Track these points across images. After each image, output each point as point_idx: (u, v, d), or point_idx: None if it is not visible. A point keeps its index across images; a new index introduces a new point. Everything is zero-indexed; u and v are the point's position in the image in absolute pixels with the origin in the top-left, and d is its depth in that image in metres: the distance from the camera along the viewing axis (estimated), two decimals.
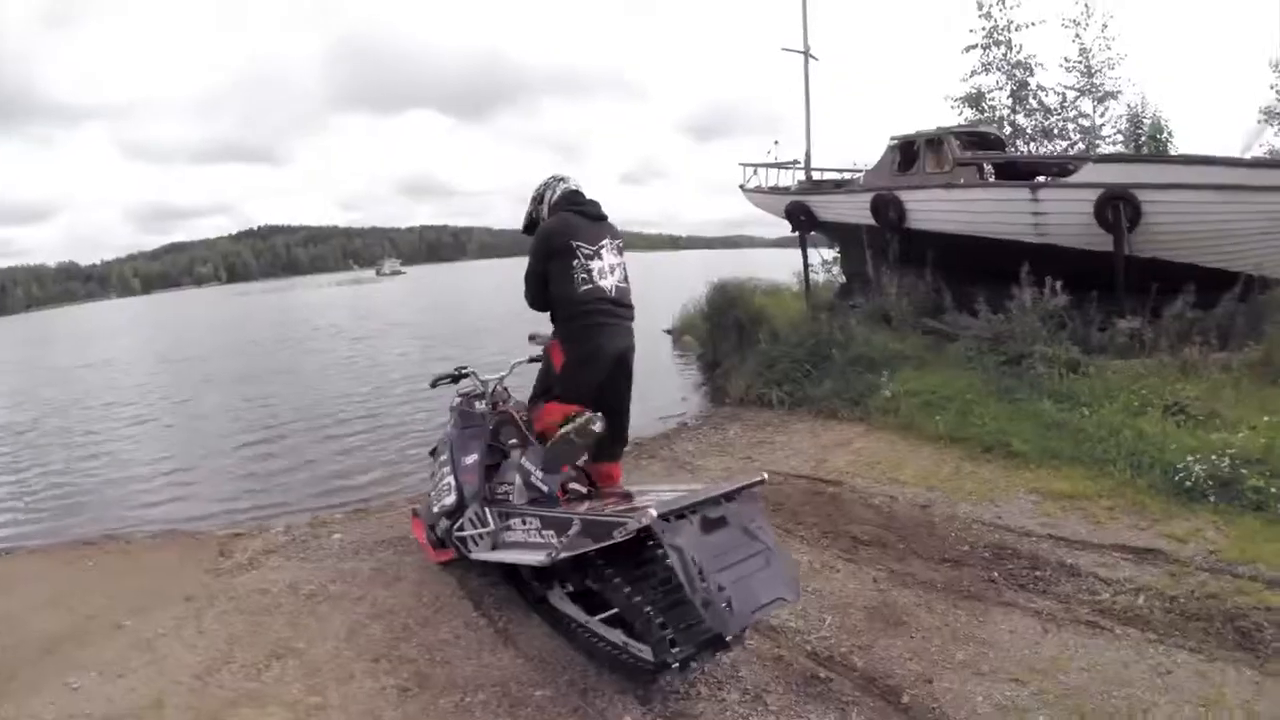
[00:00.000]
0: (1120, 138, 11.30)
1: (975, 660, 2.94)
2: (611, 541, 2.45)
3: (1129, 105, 11.26)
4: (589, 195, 3.58)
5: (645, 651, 2.61)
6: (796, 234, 11.45)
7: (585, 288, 3.25)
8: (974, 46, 12.05)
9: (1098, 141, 11.31)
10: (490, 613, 3.59)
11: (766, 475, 2.80)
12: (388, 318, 27.44)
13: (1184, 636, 3.06)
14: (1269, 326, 6.26)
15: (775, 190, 12.33)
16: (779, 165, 12.27)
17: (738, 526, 2.40)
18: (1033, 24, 11.67)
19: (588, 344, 3.27)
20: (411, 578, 4.06)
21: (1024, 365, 6.67)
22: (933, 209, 8.93)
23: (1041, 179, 8.22)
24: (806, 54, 11.93)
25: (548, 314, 3.43)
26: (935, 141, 9.34)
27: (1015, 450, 5.36)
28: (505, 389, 4.02)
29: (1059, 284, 6.96)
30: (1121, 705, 2.63)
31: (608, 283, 3.30)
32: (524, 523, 3.20)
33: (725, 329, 10.23)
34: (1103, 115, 11.45)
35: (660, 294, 16.00)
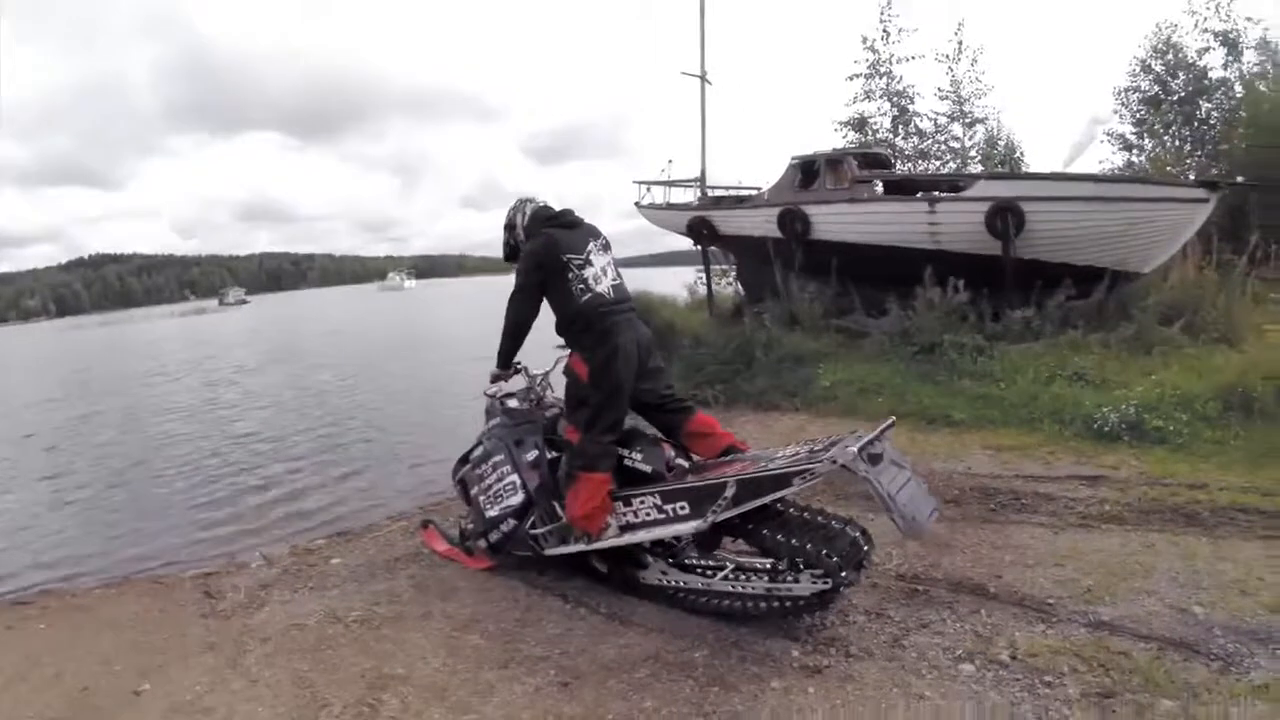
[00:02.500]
0: (979, 156, 13.27)
1: (1020, 558, 3.76)
2: (792, 489, 2.96)
3: (987, 128, 13.29)
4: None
5: (798, 588, 3.07)
6: (696, 248, 12.52)
7: (586, 298, 3.56)
8: (857, 75, 13.86)
9: (966, 162, 13.17)
10: (585, 603, 3.71)
11: (894, 418, 3.38)
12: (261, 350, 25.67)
13: (1150, 525, 4.06)
14: (1134, 310, 7.78)
15: (674, 207, 13.29)
16: (674, 183, 13.28)
17: (889, 459, 2.96)
18: (912, 58, 13.63)
19: (606, 347, 3.52)
20: (467, 586, 4.07)
21: (937, 353, 7.86)
22: (837, 221, 10.13)
23: (935, 194, 9.59)
24: (703, 79, 13.10)
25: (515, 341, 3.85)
26: (835, 161, 10.66)
27: (956, 420, 6.40)
28: (550, 384, 4.32)
29: (960, 283, 8.24)
30: (1134, 566, 3.54)
31: (603, 286, 3.61)
32: (628, 504, 3.45)
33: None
34: (971, 139, 13.40)
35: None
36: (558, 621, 3.54)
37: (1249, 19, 13.24)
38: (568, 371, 3.73)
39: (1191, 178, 10.92)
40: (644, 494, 3.41)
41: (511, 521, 3.93)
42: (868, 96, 13.92)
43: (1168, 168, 12.38)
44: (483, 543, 4.14)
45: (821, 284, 10.08)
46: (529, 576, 4.05)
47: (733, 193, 13.28)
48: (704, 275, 12.92)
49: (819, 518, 3.16)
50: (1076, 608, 3.22)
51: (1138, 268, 8.36)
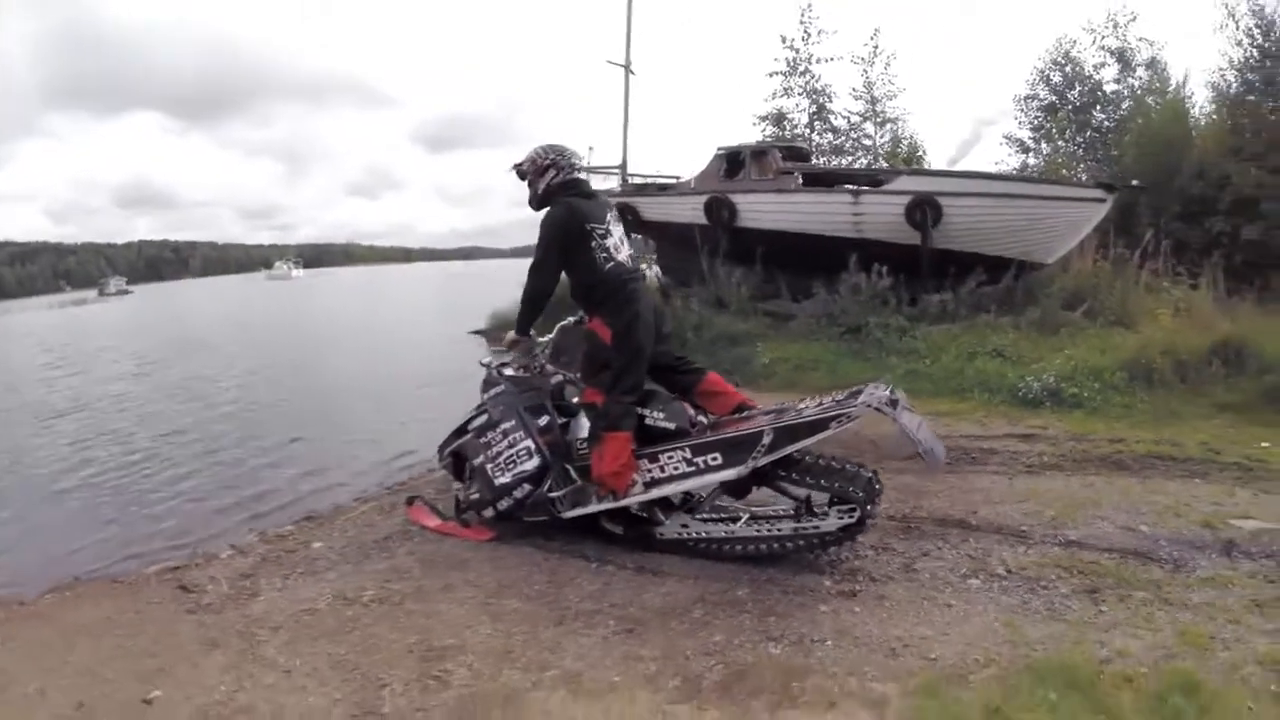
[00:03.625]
0: (885, 154, 14.28)
1: (987, 499, 4.31)
2: (828, 433, 3.30)
3: (895, 128, 14.32)
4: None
5: (826, 524, 3.46)
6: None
7: (609, 266, 3.75)
8: (777, 73, 14.67)
9: (877, 158, 14.12)
10: (609, 560, 3.84)
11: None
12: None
13: (1086, 471, 4.72)
14: (1040, 296, 8.65)
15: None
16: (595, 170, 13.51)
17: (903, 405, 3.35)
18: (830, 59, 14.52)
19: (628, 312, 3.72)
20: (476, 557, 4.06)
21: (863, 333, 8.51)
22: (763, 210, 10.70)
23: (859, 187, 10.29)
24: (628, 69, 13.43)
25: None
26: (760, 152, 11.30)
27: None
28: (545, 354, 4.39)
29: (884, 269, 8.92)
30: (1084, 499, 4.14)
31: (623, 255, 3.84)
32: (654, 460, 3.68)
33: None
34: (882, 137, 14.37)
35: (437, 301, 16.62)
36: (590, 579, 3.67)
37: (1142, 39, 14.86)
38: (590, 336, 3.87)
39: (1084, 180, 12.12)
40: (672, 449, 3.65)
41: (527, 487, 4.03)
42: (786, 93, 14.78)
43: (1062, 170, 13.69)
44: (489, 511, 4.21)
45: (746, 270, 10.58)
46: (536, 543, 4.13)
47: (652, 181, 13.68)
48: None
49: (833, 463, 3.54)
50: (1046, 532, 3.76)
51: (1041, 259, 9.27)
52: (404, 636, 3.26)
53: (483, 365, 4.54)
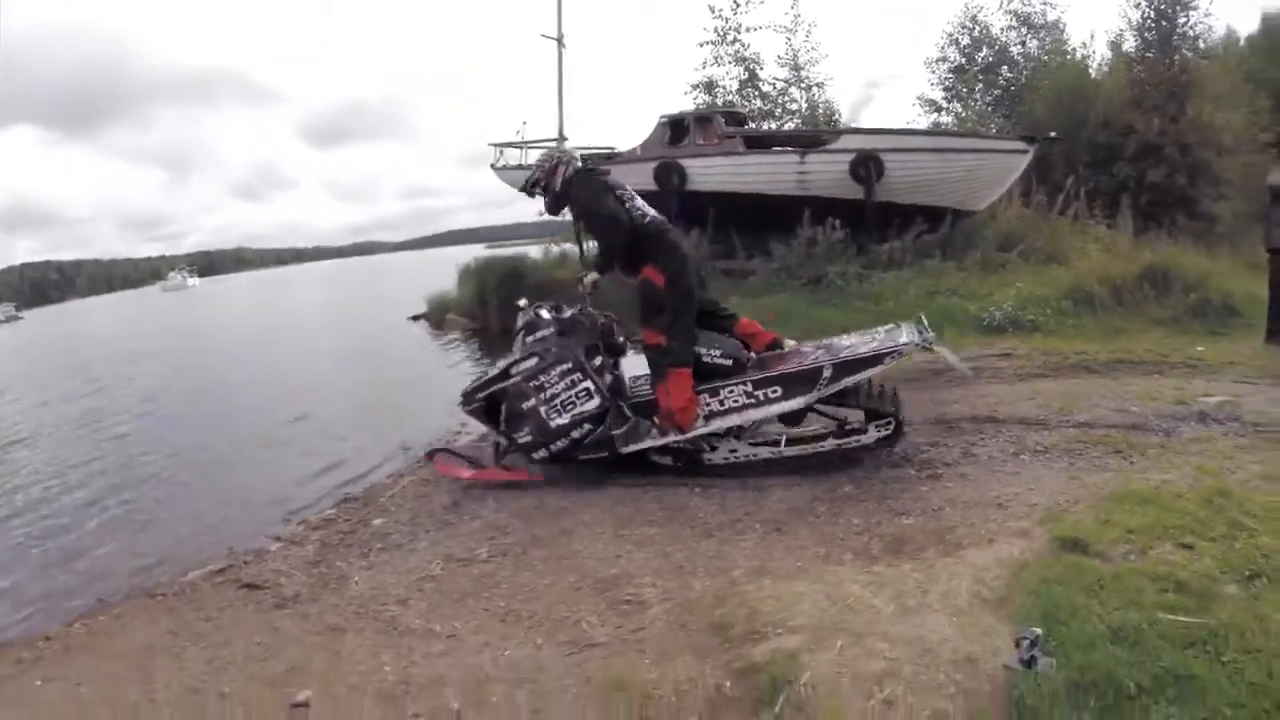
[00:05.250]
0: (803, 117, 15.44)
1: (1001, 400, 5.24)
2: (882, 366, 4.02)
3: (817, 92, 15.46)
4: None
5: (867, 437, 4.25)
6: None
7: (647, 220, 4.39)
8: (707, 42, 15.56)
9: (803, 122, 15.13)
10: (674, 492, 4.28)
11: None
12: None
13: (1065, 376, 5.72)
14: (978, 241, 9.78)
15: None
16: (531, 144, 13.97)
17: (937, 339, 4.20)
18: (758, 28, 15.49)
19: (676, 257, 4.29)
20: (569, 502, 4.33)
21: (824, 283, 9.41)
22: (712, 173, 11.47)
23: (804, 146, 11.19)
24: (560, 41, 13.90)
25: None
26: (704, 118, 12.10)
27: None
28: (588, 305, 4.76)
29: (837, 223, 9.83)
30: (1077, 394, 5.13)
31: (653, 212, 4.50)
32: (714, 395, 4.25)
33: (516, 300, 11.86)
34: (807, 101, 15.40)
35: (355, 295, 16.79)
36: (702, 500, 4.15)
37: (1047, 3, 16.38)
38: (644, 283, 4.33)
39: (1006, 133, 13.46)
40: (733, 384, 4.22)
41: (587, 426, 4.40)
42: (716, 61, 15.62)
43: (975, 127, 15.07)
44: (542, 453, 4.52)
45: (698, 231, 11.27)
46: (604, 482, 4.51)
47: (590, 152, 14.22)
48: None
49: (861, 386, 4.21)
50: (1059, 419, 4.72)
51: (973, 206, 10.44)
52: (560, 579, 3.44)
53: (520, 307, 4.87)
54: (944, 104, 16.63)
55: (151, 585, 4.38)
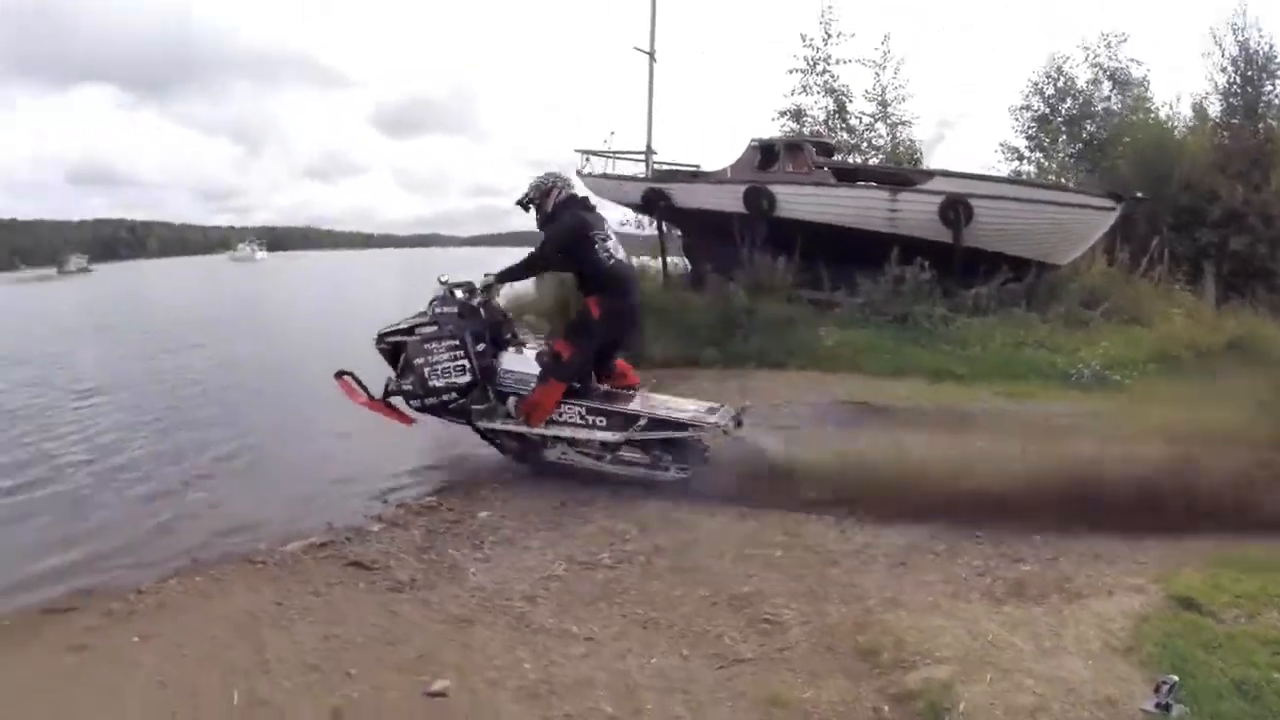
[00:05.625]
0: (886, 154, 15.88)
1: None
2: (686, 433, 5.05)
3: (904, 129, 15.93)
4: None
5: (666, 476, 5.13)
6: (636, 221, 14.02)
7: (612, 263, 5.20)
8: (797, 70, 16.12)
9: (886, 158, 15.56)
10: (794, 516, 4.65)
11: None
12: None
13: (1158, 440, 5.94)
14: (1061, 295, 10.11)
15: (624, 178, 14.63)
16: (620, 154, 14.56)
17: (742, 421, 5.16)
18: (848, 60, 16.01)
19: (620, 302, 5.22)
20: (690, 516, 4.70)
21: (909, 322, 9.80)
22: (802, 202, 11.92)
23: (895, 184, 11.63)
24: (651, 55, 14.51)
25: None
26: (794, 146, 12.60)
27: (958, 374, 8.27)
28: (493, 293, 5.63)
29: (926, 263, 10.21)
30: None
31: (622, 255, 5.33)
32: (559, 408, 5.20)
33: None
34: (894, 138, 15.92)
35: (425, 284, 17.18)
36: (820, 530, 4.47)
37: (1132, 60, 16.65)
38: (584, 308, 5.29)
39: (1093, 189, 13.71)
40: (574, 404, 5.20)
41: (455, 394, 5.27)
42: (805, 90, 16.15)
43: (1050, 177, 15.41)
44: (416, 403, 5.40)
45: (784, 258, 11.58)
46: (713, 504, 4.87)
47: (681, 168, 14.78)
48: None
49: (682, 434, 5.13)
50: None
51: (1058, 260, 10.81)
52: (691, 591, 3.61)
53: (440, 282, 5.58)
54: (1026, 152, 16.93)
55: (249, 551, 4.48)
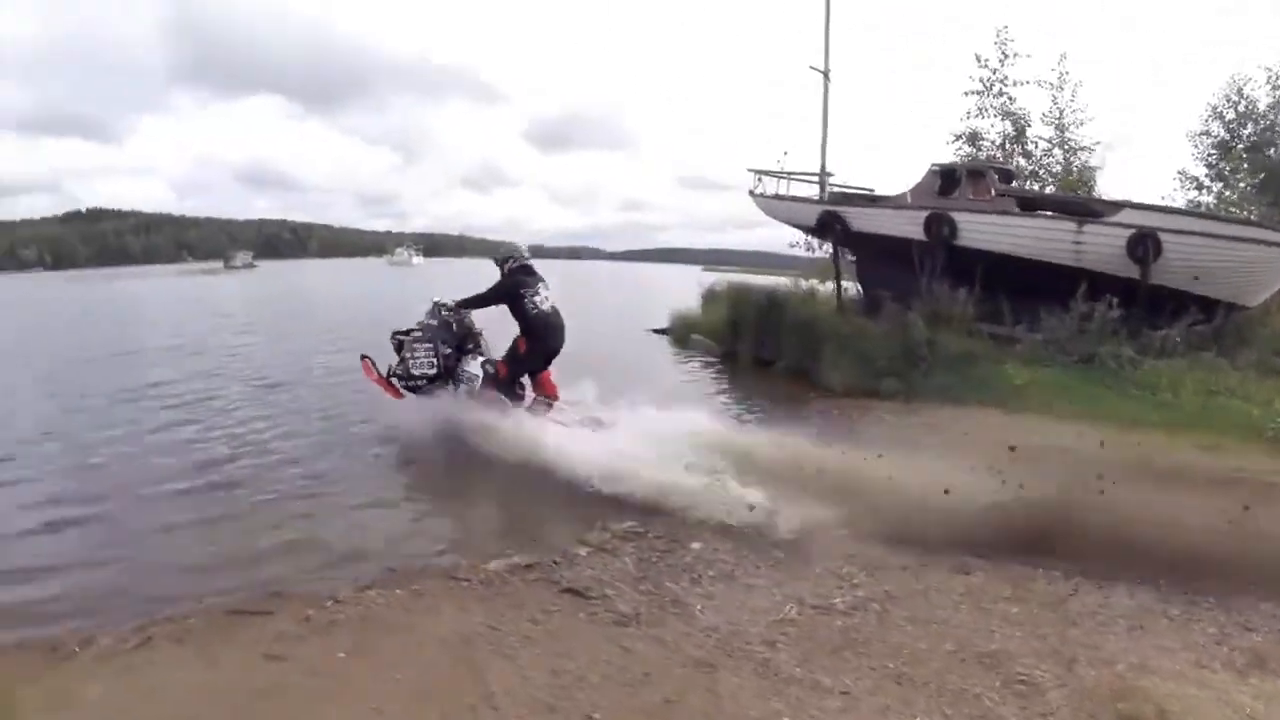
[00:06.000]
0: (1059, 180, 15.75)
1: None
2: None
3: (1084, 155, 15.84)
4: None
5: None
6: (808, 244, 14.65)
7: (534, 312, 7.27)
8: (973, 92, 16.17)
9: (1059, 186, 15.50)
10: (1019, 567, 4.73)
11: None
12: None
13: None
14: (1252, 339, 10.10)
15: (798, 199, 15.16)
16: (790, 175, 15.09)
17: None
18: (1024, 82, 15.91)
19: (537, 344, 7.32)
20: (901, 562, 4.77)
21: (1095, 363, 10.04)
22: (984, 230, 12.14)
23: (1082, 215, 11.68)
24: (826, 74, 14.93)
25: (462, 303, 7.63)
26: (977, 173, 12.79)
27: (1154, 423, 8.46)
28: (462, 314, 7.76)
29: (1115, 300, 10.40)
30: None
31: (547, 306, 7.33)
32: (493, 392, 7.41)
33: (769, 330, 13.06)
34: (1066, 165, 15.83)
35: (583, 300, 18.26)
36: (1050, 589, 4.51)
37: None
38: (515, 343, 7.42)
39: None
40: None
41: (425, 381, 7.49)
42: (980, 113, 16.16)
43: (1231, 209, 14.90)
44: (401, 384, 7.61)
45: (963, 288, 11.88)
46: (937, 549, 4.97)
47: (856, 191, 15.18)
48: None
49: None
50: None
51: (1248, 302, 10.78)
52: (936, 645, 3.62)
53: (435, 303, 7.71)
54: (1207, 182, 16.30)
55: (449, 566, 4.52)
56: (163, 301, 33.88)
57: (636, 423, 6.96)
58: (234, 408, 9.57)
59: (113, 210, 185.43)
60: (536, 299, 7.31)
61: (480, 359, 7.74)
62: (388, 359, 7.80)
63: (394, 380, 7.65)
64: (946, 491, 5.32)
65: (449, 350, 7.59)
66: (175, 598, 4.27)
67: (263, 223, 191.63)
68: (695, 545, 4.90)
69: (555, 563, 4.52)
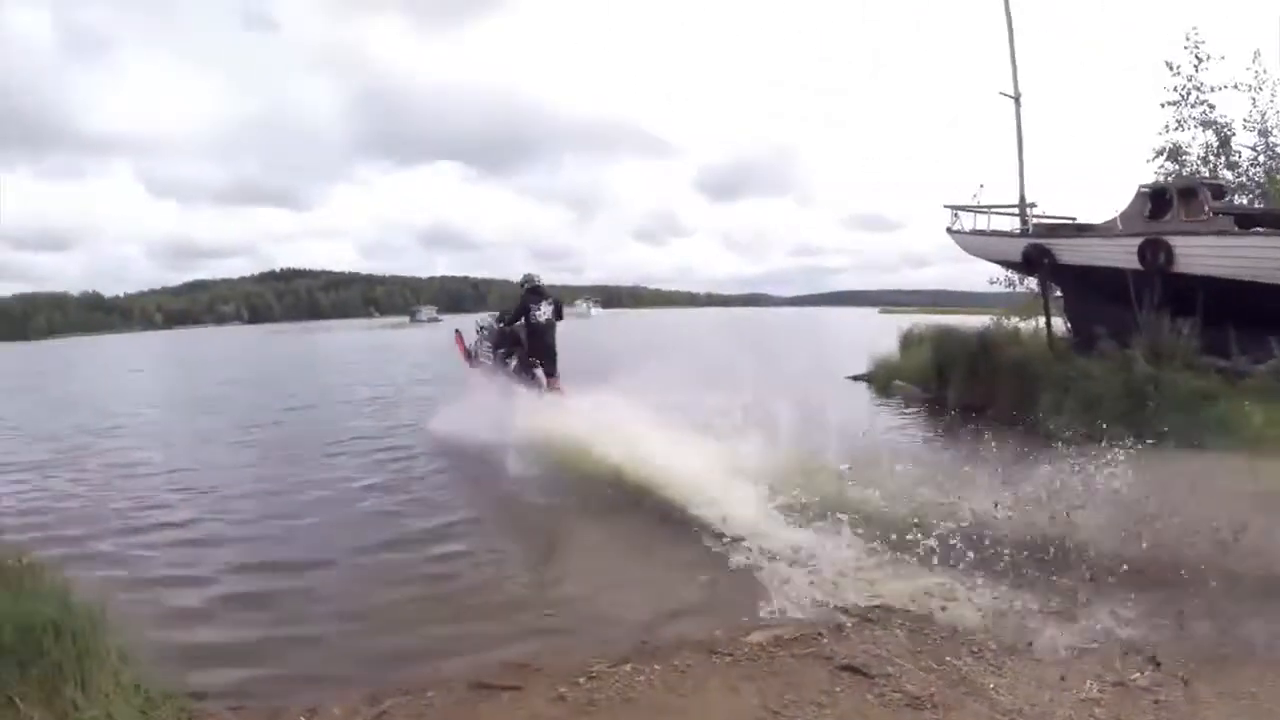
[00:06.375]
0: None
1: None
2: None
3: (1269, 160, 14.51)
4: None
5: None
6: (1006, 279, 14.25)
7: (534, 321, 10.74)
8: (1169, 104, 15.19)
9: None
10: None
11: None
12: None
13: None
14: None
15: (1001, 234, 14.76)
16: (990, 209, 14.80)
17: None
18: (1221, 87, 14.81)
19: (536, 341, 10.79)
20: (1205, 632, 4.38)
21: None
22: (1203, 254, 11.33)
23: None
24: (1016, 98, 14.54)
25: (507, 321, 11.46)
26: (1188, 191, 11.94)
27: None
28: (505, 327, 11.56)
29: None
30: None
31: (543, 318, 10.76)
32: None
33: (978, 374, 12.89)
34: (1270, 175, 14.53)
35: (771, 344, 18.49)
36: None
37: None
38: (521, 340, 11.07)
39: None
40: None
41: (485, 360, 11.77)
42: (1179, 125, 15.08)
43: None
44: (473, 360, 12.29)
45: (1182, 319, 11.11)
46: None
47: (1059, 221, 14.62)
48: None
49: None
50: None
51: None
52: None
53: (485, 320, 12.34)
54: None
55: (706, 639, 4.33)
56: (357, 352, 38.41)
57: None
58: (435, 467, 10.08)
59: (304, 270, 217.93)
60: (538, 313, 10.70)
61: (515, 354, 11.15)
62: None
63: (470, 356, 12.32)
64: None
65: (501, 349, 11.39)
66: (406, 666, 4.24)
67: (444, 279, 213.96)
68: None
69: (820, 635, 4.28)
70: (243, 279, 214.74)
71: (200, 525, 7.55)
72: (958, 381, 13.36)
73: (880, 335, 16.90)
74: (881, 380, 16.34)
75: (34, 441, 13.25)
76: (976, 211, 15.02)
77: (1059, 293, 14.26)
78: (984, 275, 15.96)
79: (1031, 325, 14.46)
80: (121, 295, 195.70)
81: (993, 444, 7.07)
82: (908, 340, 16.52)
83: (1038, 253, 13.51)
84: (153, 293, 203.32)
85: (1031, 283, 14.97)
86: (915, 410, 13.97)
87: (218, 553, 6.57)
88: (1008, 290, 16.09)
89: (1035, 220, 14.63)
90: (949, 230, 15.28)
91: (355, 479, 9.49)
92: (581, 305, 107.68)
